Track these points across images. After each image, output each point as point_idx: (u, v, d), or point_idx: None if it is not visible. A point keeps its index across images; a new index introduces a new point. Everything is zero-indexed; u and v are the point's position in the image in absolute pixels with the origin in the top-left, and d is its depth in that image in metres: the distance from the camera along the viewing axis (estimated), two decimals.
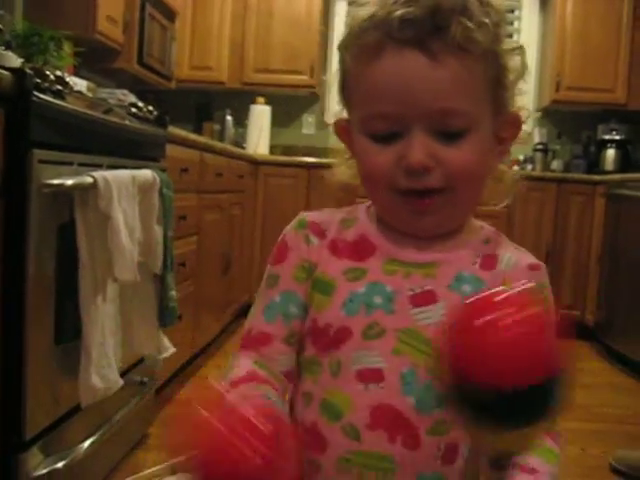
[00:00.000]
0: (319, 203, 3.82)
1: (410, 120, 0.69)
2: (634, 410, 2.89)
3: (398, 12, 0.67)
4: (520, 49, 0.75)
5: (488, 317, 0.51)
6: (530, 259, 0.80)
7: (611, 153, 4.59)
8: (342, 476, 0.75)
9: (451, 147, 0.69)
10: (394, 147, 0.70)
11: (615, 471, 2.18)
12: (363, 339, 0.74)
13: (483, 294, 0.55)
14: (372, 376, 0.74)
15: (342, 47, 0.75)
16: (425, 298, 0.74)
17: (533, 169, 4.65)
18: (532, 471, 0.68)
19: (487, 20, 0.68)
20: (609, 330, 3.84)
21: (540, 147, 4.71)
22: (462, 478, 0.75)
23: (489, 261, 0.78)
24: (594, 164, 4.66)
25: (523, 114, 0.77)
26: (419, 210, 0.73)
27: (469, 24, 0.67)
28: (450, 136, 0.69)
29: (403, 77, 0.68)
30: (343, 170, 0.84)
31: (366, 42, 0.70)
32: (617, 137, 4.58)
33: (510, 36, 4.89)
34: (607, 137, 4.61)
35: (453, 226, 0.78)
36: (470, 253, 0.78)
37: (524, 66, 0.75)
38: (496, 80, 0.72)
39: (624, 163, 4.53)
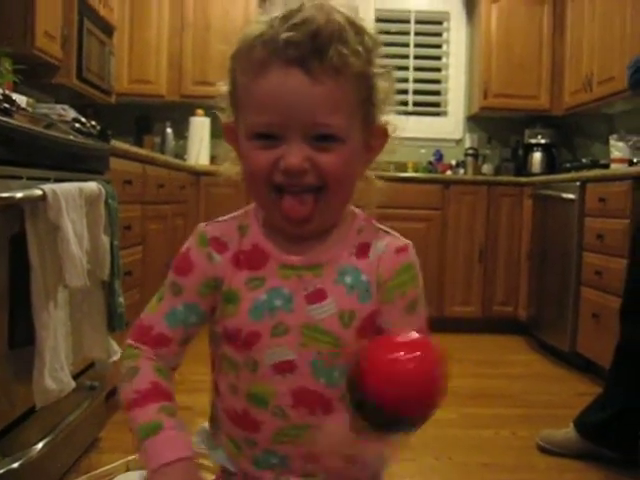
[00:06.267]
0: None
1: (290, 129, 0.78)
2: (561, 396, 3.08)
3: (284, 34, 0.76)
4: (388, 71, 0.85)
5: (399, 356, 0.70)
6: (398, 242, 0.91)
7: (537, 156, 4.84)
8: (279, 447, 0.89)
9: (324, 153, 0.79)
10: (275, 150, 0.80)
11: (541, 449, 2.35)
12: (271, 337, 0.85)
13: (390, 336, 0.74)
14: (286, 367, 0.86)
15: (233, 59, 0.85)
16: (317, 296, 0.86)
17: (465, 173, 4.86)
18: None
19: (360, 48, 0.79)
20: (540, 323, 4.06)
21: (471, 152, 4.91)
22: None
23: (363, 249, 0.90)
24: (522, 167, 4.90)
25: (390, 127, 0.88)
26: (293, 219, 0.83)
27: (344, 50, 0.77)
28: (323, 144, 0.79)
29: (285, 92, 0.77)
30: (228, 166, 0.95)
31: (254, 58, 0.79)
32: (542, 141, 4.83)
33: (439, 47, 5.11)
34: (533, 141, 4.85)
35: (328, 224, 0.89)
36: (347, 245, 0.90)
37: (391, 85, 0.86)
38: (367, 98, 0.83)
39: (549, 165, 4.78)
